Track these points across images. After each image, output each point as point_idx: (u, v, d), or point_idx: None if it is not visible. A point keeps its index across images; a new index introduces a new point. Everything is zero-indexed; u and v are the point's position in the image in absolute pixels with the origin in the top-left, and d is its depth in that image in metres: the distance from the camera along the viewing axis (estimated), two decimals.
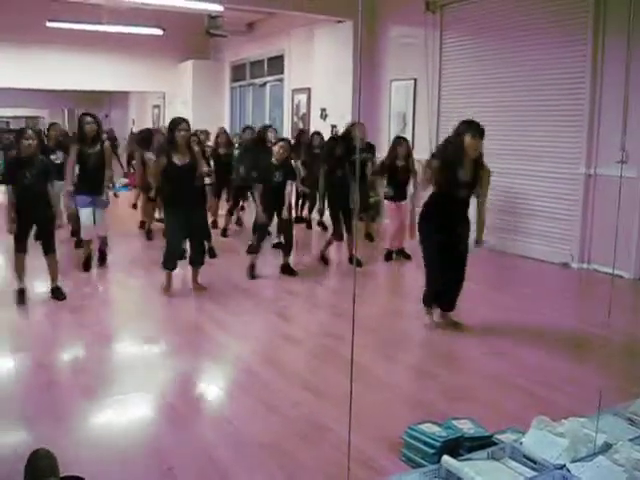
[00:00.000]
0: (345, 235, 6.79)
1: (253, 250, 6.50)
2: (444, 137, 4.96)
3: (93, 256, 6.64)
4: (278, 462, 2.88)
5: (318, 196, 7.36)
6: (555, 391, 3.69)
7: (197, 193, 5.83)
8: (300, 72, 11.21)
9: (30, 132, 5.30)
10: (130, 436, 3.18)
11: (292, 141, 8.34)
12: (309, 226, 9.26)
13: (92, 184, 6.33)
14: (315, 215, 9.09)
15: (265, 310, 5.44)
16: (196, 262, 5.82)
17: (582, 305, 5.93)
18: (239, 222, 9.11)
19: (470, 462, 2.55)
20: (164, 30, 11.64)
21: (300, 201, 9.55)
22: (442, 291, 4.76)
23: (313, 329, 5.02)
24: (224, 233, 8.50)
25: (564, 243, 7.06)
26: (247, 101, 13.77)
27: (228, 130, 11.24)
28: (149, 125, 14.50)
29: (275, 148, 6.40)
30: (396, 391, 3.77)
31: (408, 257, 6.98)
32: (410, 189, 7.01)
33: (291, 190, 6.52)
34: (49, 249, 5.38)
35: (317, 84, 10.58)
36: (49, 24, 11.01)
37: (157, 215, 8.38)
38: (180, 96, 14.23)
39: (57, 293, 5.46)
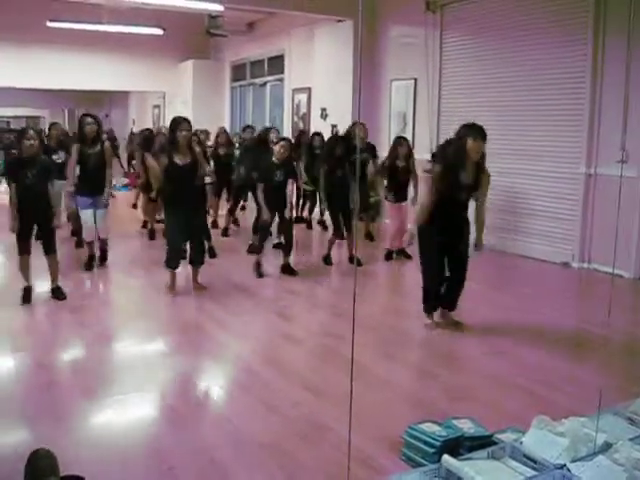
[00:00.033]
0: (345, 235, 6.81)
1: (255, 250, 6.50)
2: (444, 137, 4.96)
3: (95, 256, 6.64)
4: (278, 462, 2.88)
5: (318, 197, 7.36)
6: (555, 391, 3.69)
7: (198, 193, 5.84)
8: (300, 72, 11.21)
9: (32, 132, 5.30)
10: (130, 436, 3.18)
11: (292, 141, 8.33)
12: (309, 226, 9.26)
13: (92, 184, 6.34)
14: (316, 214, 9.11)
15: (265, 310, 5.44)
16: (196, 262, 5.82)
17: (582, 305, 5.93)
18: (236, 222, 9.10)
19: (470, 461, 2.55)
20: (164, 30, 11.64)
21: (300, 201, 9.54)
22: (442, 291, 4.76)
23: (313, 329, 5.02)
24: (225, 233, 8.49)
25: (564, 243, 7.06)
26: (247, 101, 13.76)
27: (228, 130, 11.24)
28: (149, 125, 14.48)
29: (276, 147, 6.41)
30: (396, 390, 3.77)
31: (408, 257, 6.98)
32: (410, 190, 7.02)
33: (292, 190, 6.54)
34: (50, 249, 5.37)
35: (317, 84, 10.58)
36: (49, 24, 11.01)
37: (157, 216, 8.38)
38: (180, 96, 14.23)
39: (57, 293, 5.46)
